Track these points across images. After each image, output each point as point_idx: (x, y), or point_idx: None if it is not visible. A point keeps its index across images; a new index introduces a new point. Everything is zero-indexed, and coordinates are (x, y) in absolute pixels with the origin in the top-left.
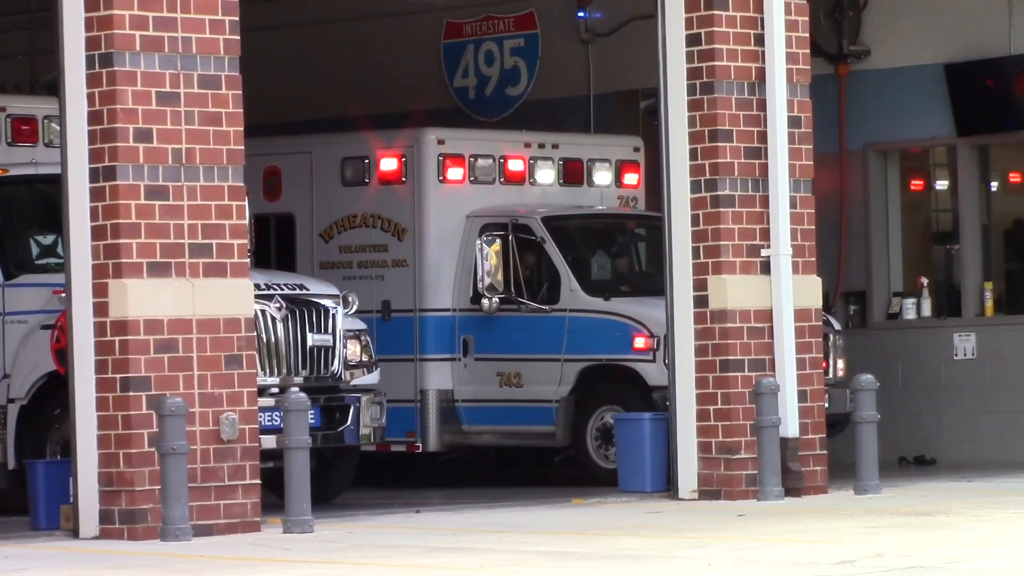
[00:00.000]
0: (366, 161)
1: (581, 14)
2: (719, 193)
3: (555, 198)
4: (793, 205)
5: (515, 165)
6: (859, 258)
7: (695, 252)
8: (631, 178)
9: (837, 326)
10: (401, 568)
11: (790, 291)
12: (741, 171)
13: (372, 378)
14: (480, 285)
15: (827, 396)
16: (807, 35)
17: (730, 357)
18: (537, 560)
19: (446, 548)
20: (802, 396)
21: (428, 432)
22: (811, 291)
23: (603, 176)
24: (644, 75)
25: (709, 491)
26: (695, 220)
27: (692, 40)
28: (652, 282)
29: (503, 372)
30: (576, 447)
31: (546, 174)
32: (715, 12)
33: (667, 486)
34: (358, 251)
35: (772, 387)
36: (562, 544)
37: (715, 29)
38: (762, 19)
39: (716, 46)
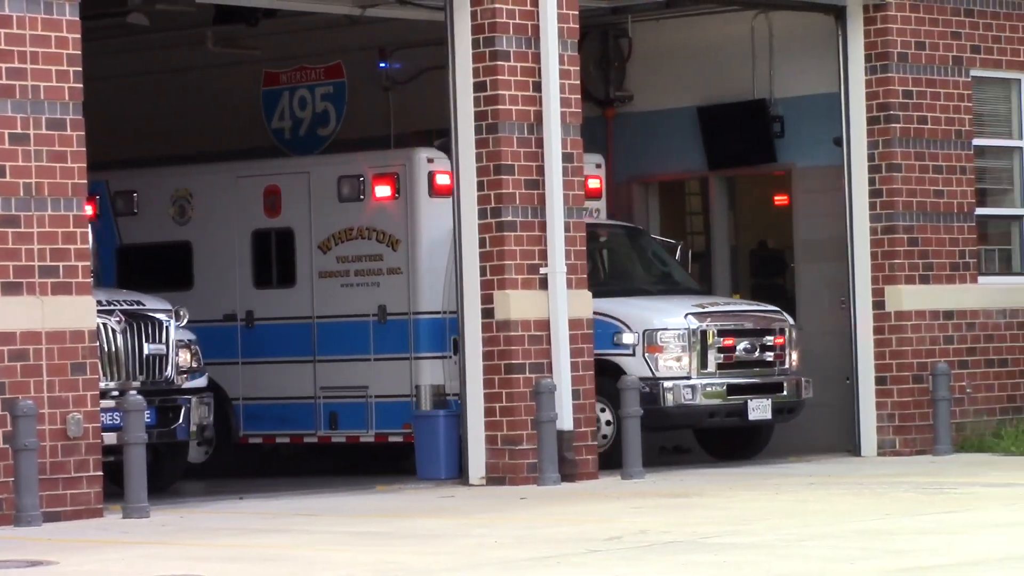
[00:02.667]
0: (361, 179)
1: (382, 65)
2: (503, 219)
3: None
4: (567, 229)
5: None
6: None
7: (483, 270)
8: (595, 189)
9: (791, 322)
10: (226, 548)
11: (565, 304)
12: (522, 200)
13: (200, 382)
14: None
15: (784, 384)
16: (578, 83)
17: (513, 361)
18: (344, 539)
19: (265, 530)
20: (576, 395)
21: None
22: (583, 303)
23: None
24: (437, 117)
25: (496, 478)
26: (482, 243)
27: (479, 87)
28: (631, 284)
29: None
30: None
31: None
32: (498, 63)
33: (459, 473)
34: (355, 261)
35: (550, 387)
36: (366, 526)
37: (498, 78)
38: (539, 69)
39: (499, 92)
